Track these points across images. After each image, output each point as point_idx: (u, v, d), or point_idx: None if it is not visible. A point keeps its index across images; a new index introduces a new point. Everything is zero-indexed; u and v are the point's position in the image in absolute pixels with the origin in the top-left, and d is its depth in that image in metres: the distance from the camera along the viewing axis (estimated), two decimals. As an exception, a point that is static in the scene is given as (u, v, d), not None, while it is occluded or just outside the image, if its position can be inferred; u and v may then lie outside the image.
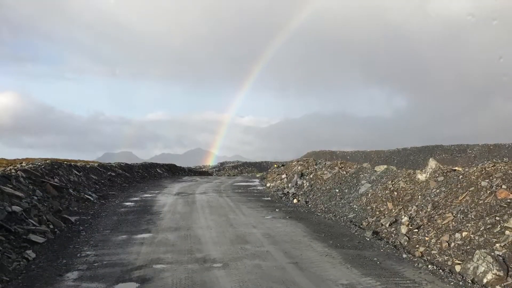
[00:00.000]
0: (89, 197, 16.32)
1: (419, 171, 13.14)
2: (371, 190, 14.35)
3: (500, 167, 10.30)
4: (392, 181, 13.74)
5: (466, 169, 11.50)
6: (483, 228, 8.62)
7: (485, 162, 11.40)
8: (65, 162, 19.04)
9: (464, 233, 8.82)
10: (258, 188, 23.57)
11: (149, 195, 19.12)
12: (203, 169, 60.12)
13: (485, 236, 8.41)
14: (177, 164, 43.41)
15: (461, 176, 11.06)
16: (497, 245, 8.00)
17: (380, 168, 16.13)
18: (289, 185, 21.31)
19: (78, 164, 20.95)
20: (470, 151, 53.09)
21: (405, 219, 10.83)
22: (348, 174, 17.81)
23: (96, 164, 23.95)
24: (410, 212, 11.11)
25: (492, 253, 7.71)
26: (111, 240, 10.17)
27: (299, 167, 23.40)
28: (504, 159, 12.06)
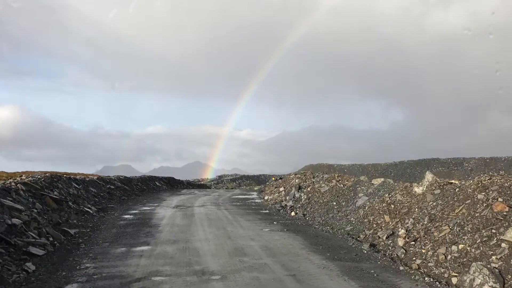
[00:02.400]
0: (88, 210, 16.36)
1: (416, 184, 13.25)
2: (368, 203, 14.44)
3: (496, 180, 10.42)
4: (389, 194, 13.84)
5: (463, 182, 11.62)
6: (479, 240, 8.71)
7: (482, 175, 11.51)
8: (64, 175, 19.11)
9: (460, 246, 8.91)
10: (256, 201, 23.60)
11: (148, 208, 19.15)
12: (202, 182, 60.14)
13: (481, 248, 8.50)
14: (176, 177, 43.45)
15: (457, 189, 11.17)
16: (493, 257, 8.08)
17: (377, 181, 16.24)
18: (287, 198, 21.38)
19: (78, 177, 21.00)
20: (466, 164, 53.28)
21: (402, 231, 10.91)
22: (346, 187, 17.91)
23: (95, 177, 24.00)
24: (407, 225, 11.19)
25: (488, 266, 7.79)
26: (110, 252, 10.21)
27: (296, 180, 23.49)
28: (500, 172, 12.18)
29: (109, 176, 27.39)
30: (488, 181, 10.58)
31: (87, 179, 21.76)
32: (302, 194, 20.43)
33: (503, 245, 8.21)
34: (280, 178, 29.98)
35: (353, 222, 13.94)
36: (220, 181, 69.47)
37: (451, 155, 57.65)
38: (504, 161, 50.67)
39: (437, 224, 10.31)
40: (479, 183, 10.70)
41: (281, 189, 24.23)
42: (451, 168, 52.69)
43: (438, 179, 12.59)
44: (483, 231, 8.89)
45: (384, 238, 11.35)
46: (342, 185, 18.44)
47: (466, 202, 10.24)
